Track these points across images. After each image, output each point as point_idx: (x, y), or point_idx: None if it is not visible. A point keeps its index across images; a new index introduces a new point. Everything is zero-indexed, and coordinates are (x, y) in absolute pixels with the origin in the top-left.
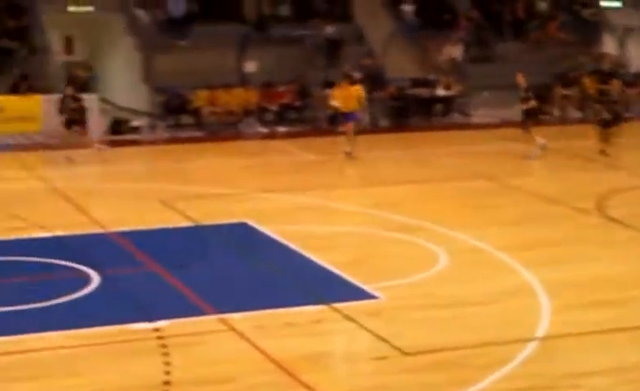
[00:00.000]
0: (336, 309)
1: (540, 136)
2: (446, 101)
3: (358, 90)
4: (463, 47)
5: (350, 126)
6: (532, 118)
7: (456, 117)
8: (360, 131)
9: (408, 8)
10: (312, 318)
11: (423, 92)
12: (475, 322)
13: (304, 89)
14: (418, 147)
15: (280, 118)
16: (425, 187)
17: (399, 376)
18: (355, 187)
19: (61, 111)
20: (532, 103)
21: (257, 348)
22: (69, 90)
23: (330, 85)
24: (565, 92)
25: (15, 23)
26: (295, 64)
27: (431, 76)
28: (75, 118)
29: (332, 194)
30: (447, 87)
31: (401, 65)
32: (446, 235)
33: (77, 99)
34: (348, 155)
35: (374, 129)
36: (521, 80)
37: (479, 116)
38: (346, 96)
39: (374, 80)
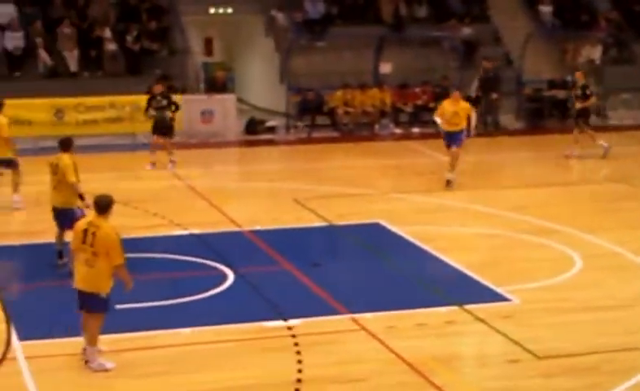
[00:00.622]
0: (468, 311)
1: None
2: None
3: (466, 108)
4: (602, 48)
5: (453, 152)
6: (583, 117)
7: (593, 120)
8: (494, 133)
9: (546, 9)
10: (443, 319)
11: (559, 94)
12: (609, 327)
13: (440, 90)
14: (554, 149)
15: (415, 119)
16: (561, 190)
17: (531, 381)
18: (489, 189)
19: (147, 110)
20: (588, 102)
21: (388, 348)
22: (159, 88)
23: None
24: None
25: (156, 24)
26: (430, 65)
27: (569, 78)
28: (162, 117)
29: (466, 195)
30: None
31: (537, 66)
32: (582, 238)
33: (167, 98)
34: (449, 184)
35: (508, 131)
36: (580, 76)
37: (617, 117)
38: (452, 112)
39: (493, 82)
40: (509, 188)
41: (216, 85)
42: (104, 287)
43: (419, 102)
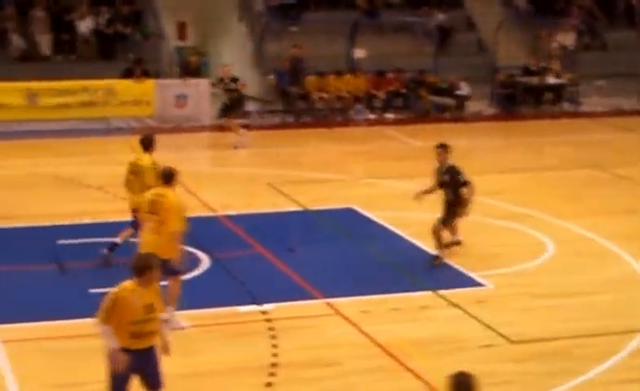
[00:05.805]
0: (442, 296)
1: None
2: (557, 89)
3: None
4: (575, 35)
5: None
6: (234, 109)
7: (566, 106)
8: (465, 118)
9: None
10: (417, 304)
11: (533, 80)
12: (581, 312)
13: (413, 76)
14: (527, 135)
15: (388, 105)
16: (533, 176)
17: (504, 365)
18: None
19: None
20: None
21: (363, 333)
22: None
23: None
24: None
25: (128, 8)
26: (404, 51)
27: (542, 64)
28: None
29: None
30: (557, 75)
31: (511, 53)
32: (554, 223)
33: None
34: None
35: (482, 116)
36: (225, 72)
37: (589, 104)
38: None
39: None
40: (482, 174)
41: (190, 70)
42: (172, 253)
43: (392, 88)
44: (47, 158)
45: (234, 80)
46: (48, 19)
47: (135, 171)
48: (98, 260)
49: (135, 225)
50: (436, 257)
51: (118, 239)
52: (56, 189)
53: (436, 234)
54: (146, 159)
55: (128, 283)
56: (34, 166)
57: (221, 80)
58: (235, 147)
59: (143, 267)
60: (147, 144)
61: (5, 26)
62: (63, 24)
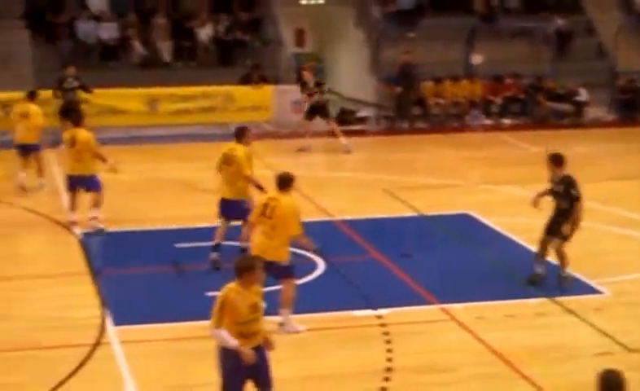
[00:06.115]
0: (559, 303)
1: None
2: None
3: None
4: None
5: None
6: (316, 113)
7: None
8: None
9: None
10: (534, 310)
11: None
12: None
13: (531, 82)
14: None
15: (505, 110)
16: None
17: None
18: (581, 181)
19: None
20: (317, 98)
21: (478, 339)
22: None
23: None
24: None
25: (248, 16)
26: (522, 57)
27: None
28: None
29: None
30: None
31: (631, 58)
32: None
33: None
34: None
35: (601, 122)
36: (308, 76)
37: None
38: None
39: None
40: (601, 181)
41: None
42: (283, 256)
43: (509, 94)
44: (167, 163)
45: (318, 84)
46: (169, 26)
47: (228, 161)
48: (208, 264)
49: (223, 216)
50: (565, 277)
51: (218, 240)
52: (175, 193)
53: (560, 252)
54: (239, 149)
55: (232, 285)
56: (154, 171)
57: (305, 84)
58: (348, 152)
59: (244, 268)
60: (241, 135)
61: (127, 33)
62: (184, 31)
